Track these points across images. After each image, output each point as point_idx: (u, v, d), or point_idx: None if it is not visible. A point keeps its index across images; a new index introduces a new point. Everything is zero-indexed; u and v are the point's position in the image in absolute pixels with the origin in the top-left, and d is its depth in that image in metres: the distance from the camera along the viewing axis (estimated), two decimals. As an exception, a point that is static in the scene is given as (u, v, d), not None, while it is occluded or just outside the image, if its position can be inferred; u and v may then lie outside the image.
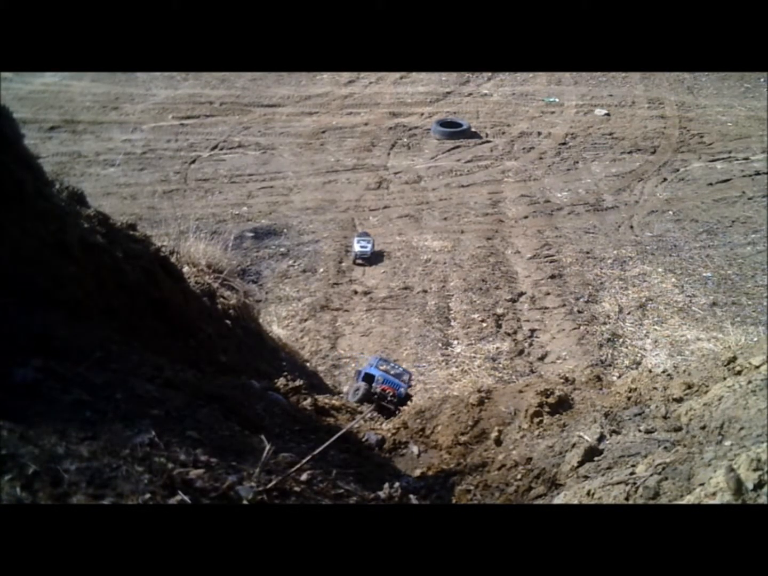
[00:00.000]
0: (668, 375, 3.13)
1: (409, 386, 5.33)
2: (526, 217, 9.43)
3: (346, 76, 14.10)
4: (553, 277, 7.97)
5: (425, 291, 7.68)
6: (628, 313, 7.36)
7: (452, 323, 7.17)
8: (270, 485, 1.63)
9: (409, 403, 4.79)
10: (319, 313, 7.26)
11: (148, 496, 1.33)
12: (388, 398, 4.72)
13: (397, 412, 4.46)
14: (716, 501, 1.55)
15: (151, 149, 10.96)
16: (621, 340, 6.91)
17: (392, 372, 5.16)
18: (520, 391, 3.58)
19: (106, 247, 2.84)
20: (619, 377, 5.43)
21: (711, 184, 10.25)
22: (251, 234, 8.77)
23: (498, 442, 3.10)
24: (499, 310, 7.32)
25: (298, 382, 3.86)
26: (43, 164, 2.83)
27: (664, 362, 6.26)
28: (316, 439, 2.79)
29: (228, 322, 4.30)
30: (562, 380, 3.93)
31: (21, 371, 1.68)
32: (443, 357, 6.57)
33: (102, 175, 10.08)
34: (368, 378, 5.00)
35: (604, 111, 12.69)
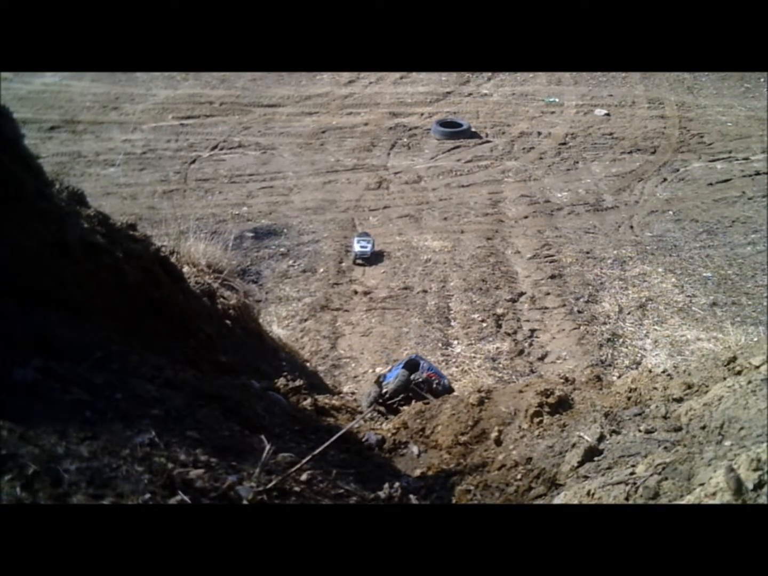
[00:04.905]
0: (668, 375, 3.12)
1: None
2: (526, 217, 9.42)
3: (346, 76, 14.09)
4: (553, 277, 7.97)
5: (425, 291, 7.68)
6: (628, 313, 7.35)
7: (452, 323, 7.17)
8: (270, 485, 1.63)
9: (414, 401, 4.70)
10: (319, 313, 7.25)
11: (148, 496, 1.33)
12: (433, 385, 4.46)
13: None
14: (716, 501, 1.55)
15: (151, 149, 10.95)
16: (621, 340, 6.90)
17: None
18: (520, 391, 3.58)
19: (106, 247, 2.84)
20: (619, 377, 5.42)
21: (711, 184, 10.24)
22: (251, 234, 8.76)
23: (498, 442, 3.10)
24: (499, 310, 7.32)
25: (298, 382, 3.85)
26: (43, 164, 2.83)
27: (664, 362, 6.25)
28: (316, 439, 2.79)
29: (228, 322, 4.30)
30: (562, 380, 3.92)
31: (21, 371, 1.68)
32: (443, 357, 6.56)
33: (102, 175, 10.07)
34: (411, 365, 4.67)
35: (604, 111, 12.68)
